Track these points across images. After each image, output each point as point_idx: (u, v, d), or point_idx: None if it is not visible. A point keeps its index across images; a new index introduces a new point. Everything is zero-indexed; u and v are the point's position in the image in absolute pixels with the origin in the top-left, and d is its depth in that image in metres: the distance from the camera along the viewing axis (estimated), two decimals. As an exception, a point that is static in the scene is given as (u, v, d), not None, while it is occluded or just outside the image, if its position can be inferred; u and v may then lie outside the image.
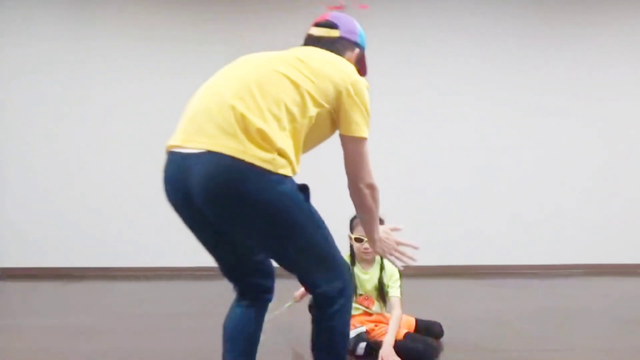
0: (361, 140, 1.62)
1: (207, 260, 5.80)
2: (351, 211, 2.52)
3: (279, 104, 1.47)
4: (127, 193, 5.30)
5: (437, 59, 5.42)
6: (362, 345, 2.44)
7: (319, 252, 1.55)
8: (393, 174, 5.25)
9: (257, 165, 1.41)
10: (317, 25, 1.76)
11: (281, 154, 1.45)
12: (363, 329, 2.49)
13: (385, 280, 2.57)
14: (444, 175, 5.38)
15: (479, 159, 5.41)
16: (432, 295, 4.14)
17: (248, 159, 1.41)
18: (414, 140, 5.38)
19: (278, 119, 1.46)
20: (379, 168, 5.76)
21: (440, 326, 2.74)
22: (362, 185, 1.68)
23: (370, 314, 2.58)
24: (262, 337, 1.69)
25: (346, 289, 1.58)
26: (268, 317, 1.71)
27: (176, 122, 1.78)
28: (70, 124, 5.35)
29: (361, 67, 1.79)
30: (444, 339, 2.71)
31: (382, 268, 2.60)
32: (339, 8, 1.92)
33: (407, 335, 2.47)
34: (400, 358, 2.32)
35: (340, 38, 1.73)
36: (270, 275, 1.71)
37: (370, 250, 2.53)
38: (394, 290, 2.56)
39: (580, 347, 2.60)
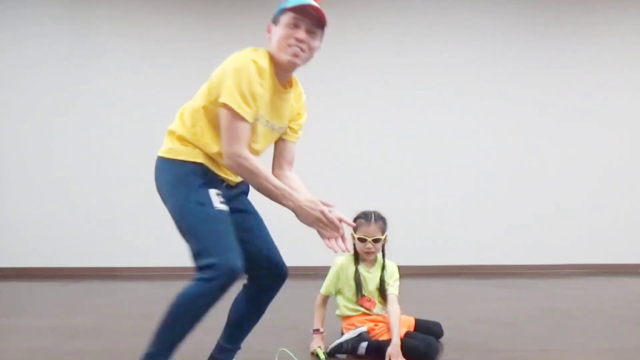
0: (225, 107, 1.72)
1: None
2: (353, 211, 2.53)
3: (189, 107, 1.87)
4: (126, 193, 5.29)
5: (439, 57, 5.43)
6: (364, 344, 2.45)
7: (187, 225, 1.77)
8: (393, 174, 5.26)
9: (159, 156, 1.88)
10: None
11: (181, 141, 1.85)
12: (364, 328, 2.49)
13: (386, 279, 2.59)
14: (444, 176, 5.38)
15: (479, 159, 5.42)
16: (432, 295, 4.14)
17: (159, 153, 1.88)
18: (414, 142, 5.38)
19: (183, 119, 1.87)
20: (379, 169, 5.76)
21: (440, 326, 2.75)
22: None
23: (370, 314, 2.59)
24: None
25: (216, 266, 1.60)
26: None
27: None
28: (69, 123, 5.34)
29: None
30: (444, 339, 2.72)
31: (383, 268, 2.61)
32: None
33: (407, 334, 2.47)
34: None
35: None
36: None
37: (372, 250, 2.54)
38: (392, 289, 2.58)
39: (581, 347, 2.60)
